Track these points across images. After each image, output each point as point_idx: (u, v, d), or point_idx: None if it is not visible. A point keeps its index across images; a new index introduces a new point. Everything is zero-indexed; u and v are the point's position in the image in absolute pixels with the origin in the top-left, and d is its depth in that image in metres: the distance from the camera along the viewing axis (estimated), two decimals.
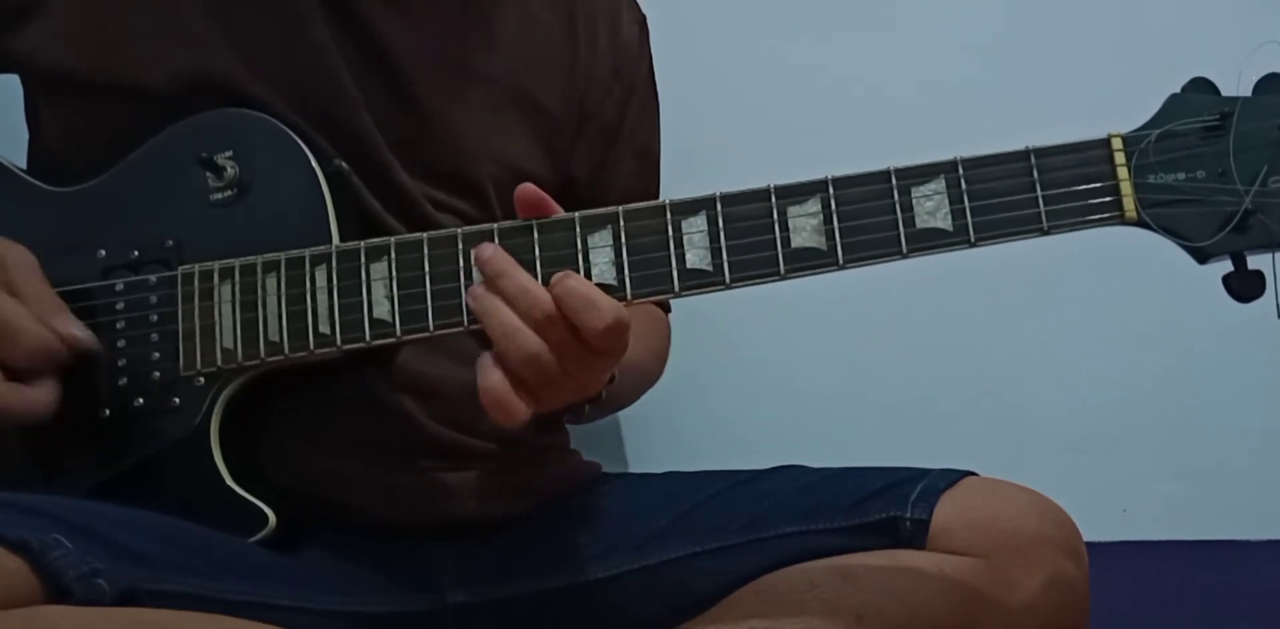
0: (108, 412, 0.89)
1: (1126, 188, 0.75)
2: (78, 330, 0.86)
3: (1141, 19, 1.37)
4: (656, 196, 1.11)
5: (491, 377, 0.78)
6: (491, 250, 0.80)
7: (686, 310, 1.13)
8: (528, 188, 0.82)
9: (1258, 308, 0.80)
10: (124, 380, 0.89)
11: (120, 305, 0.90)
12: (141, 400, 0.89)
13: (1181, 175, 0.74)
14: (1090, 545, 0.88)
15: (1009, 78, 1.38)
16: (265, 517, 0.86)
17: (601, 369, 0.82)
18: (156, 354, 0.89)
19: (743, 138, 1.40)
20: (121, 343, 0.89)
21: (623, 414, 1.39)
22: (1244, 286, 0.73)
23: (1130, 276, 1.36)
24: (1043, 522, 0.86)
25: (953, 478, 0.89)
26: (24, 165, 0.99)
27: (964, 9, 1.40)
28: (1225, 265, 0.74)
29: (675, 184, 1.10)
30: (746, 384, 1.41)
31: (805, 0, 1.43)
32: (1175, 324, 1.37)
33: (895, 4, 1.42)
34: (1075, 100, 1.34)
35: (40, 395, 0.84)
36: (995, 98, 1.37)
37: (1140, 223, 0.75)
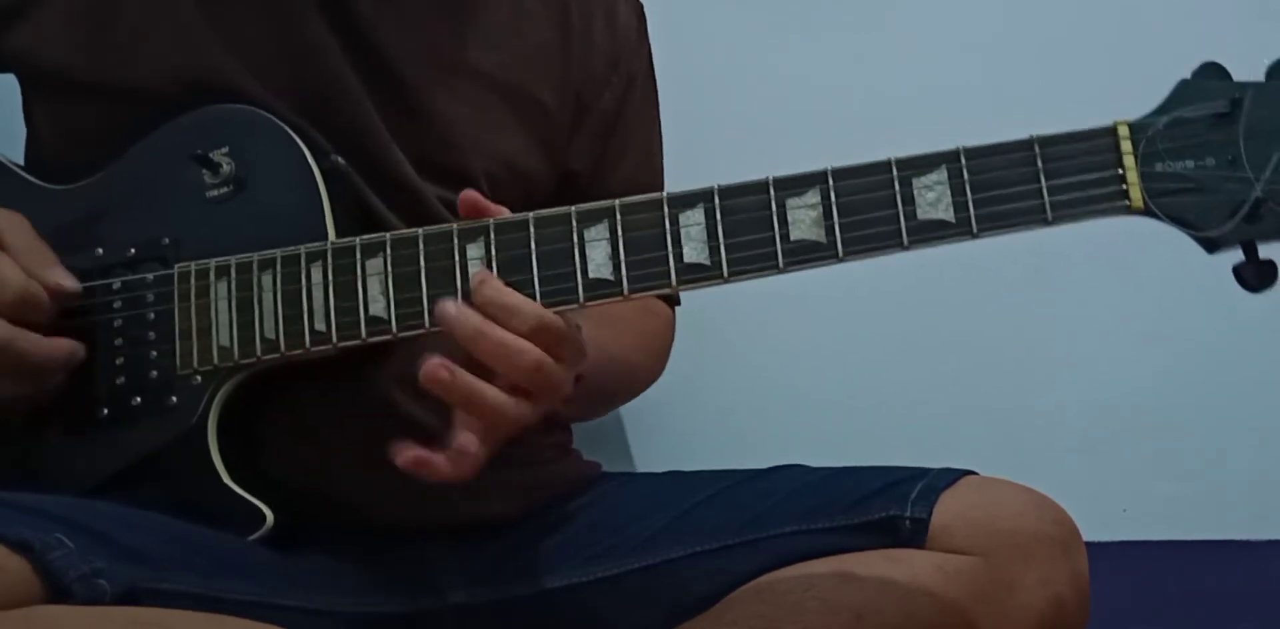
0: (106, 411, 0.89)
1: (1133, 177, 0.72)
2: (65, 280, 0.87)
3: (1141, 19, 1.37)
4: (661, 187, 1.11)
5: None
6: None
7: (686, 310, 1.12)
8: (467, 193, 0.83)
9: (1257, 308, 0.79)
10: (122, 379, 0.89)
11: (118, 304, 0.90)
12: (139, 399, 0.88)
13: (1190, 163, 0.72)
14: (1090, 545, 0.87)
15: (1008, 79, 1.38)
16: (263, 515, 0.85)
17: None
18: (154, 353, 0.88)
19: (739, 140, 1.40)
20: (119, 341, 0.89)
21: (625, 413, 1.39)
22: (1256, 276, 0.71)
23: (1130, 276, 1.36)
24: (1042, 520, 0.86)
25: (952, 477, 0.89)
26: (21, 162, 0.99)
27: (964, 9, 1.40)
28: (1234, 256, 0.72)
29: (671, 186, 1.09)
30: (746, 384, 1.41)
31: (803, 1, 1.43)
32: (1175, 324, 1.37)
33: (894, 3, 1.41)
34: (1075, 102, 1.33)
35: (60, 343, 0.86)
36: (994, 99, 1.37)
37: (1148, 212, 0.72)
